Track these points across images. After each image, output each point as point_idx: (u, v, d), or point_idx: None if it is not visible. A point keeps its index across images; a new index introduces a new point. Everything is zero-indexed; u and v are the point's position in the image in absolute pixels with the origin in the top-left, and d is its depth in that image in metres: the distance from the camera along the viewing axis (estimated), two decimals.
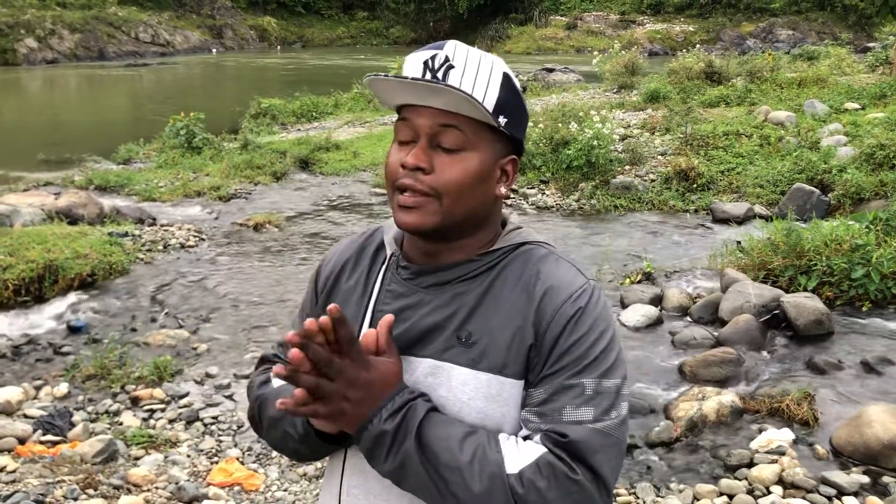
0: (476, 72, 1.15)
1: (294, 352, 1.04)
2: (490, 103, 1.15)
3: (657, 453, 4.12)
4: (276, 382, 1.28)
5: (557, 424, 1.11)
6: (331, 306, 1.07)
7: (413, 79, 1.12)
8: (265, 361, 1.40)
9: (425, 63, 1.15)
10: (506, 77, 1.18)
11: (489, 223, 1.24)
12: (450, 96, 1.12)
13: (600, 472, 1.09)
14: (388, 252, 1.29)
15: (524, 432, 1.13)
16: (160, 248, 7.52)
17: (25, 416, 4.36)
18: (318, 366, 1.06)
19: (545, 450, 1.09)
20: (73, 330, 5.73)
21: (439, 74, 1.13)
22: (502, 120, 1.17)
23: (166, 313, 6.06)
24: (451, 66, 1.14)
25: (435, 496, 1.10)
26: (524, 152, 1.27)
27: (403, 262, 1.26)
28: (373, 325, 1.22)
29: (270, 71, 31.12)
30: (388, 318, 1.16)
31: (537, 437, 1.11)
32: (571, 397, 1.12)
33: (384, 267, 1.28)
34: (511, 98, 1.18)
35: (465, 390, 1.15)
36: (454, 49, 1.16)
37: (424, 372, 1.17)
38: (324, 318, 1.06)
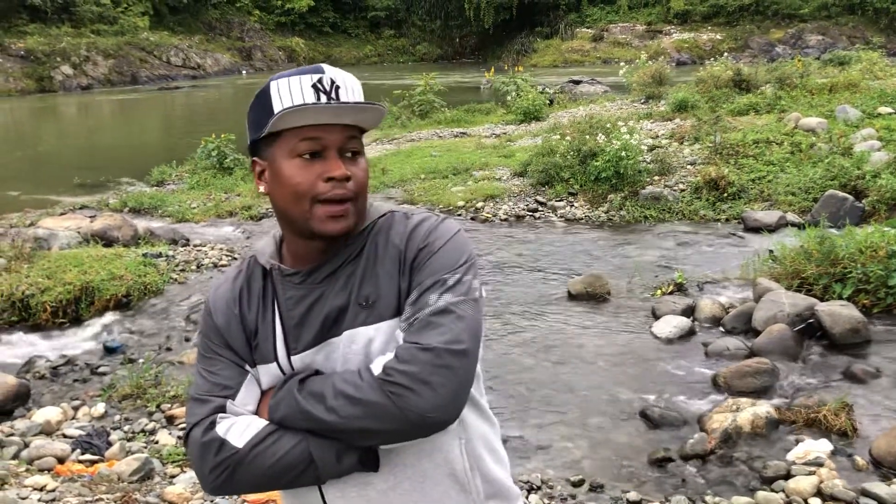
0: (354, 87, 1.34)
1: None
2: None
3: (692, 466, 4.08)
4: (242, 437, 1.29)
5: (422, 312, 1.27)
6: None
7: (356, 103, 1.30)
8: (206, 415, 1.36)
9: (314, 86, 1.30)
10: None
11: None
12: (377, 111, 1.32)
13: (458, 342, 1.24)
14: (268, 268, 1.41)
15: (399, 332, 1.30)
16: (193, 268, 7.62)
17: (64, 436, 4.44)
18: None
19: (399, 346, 1.26)
20: (109, 350, 5.82)
21: (334, 94, 1.30)
22: None
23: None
24: (338, 86, 1.32)
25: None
26: None
27: (289, 271, 1.38)
28: (286, 334, 1.36)
29: None
30: None
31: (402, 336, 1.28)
32: (434, 288, 1.29)
33: (271, 283, 1.41)
34: None
35: (382, 339, 1.31)
36: (334, 72, 1.33)
37: (346, 343, 1.32)
38: None
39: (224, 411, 1.34)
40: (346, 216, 1.32)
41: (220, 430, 1.31)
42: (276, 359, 1.36)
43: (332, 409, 1.23)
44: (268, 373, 1.37)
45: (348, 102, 1.30)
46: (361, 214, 1.36)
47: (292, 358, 1.35)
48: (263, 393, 1.37)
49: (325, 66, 1.34)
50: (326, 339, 1.33)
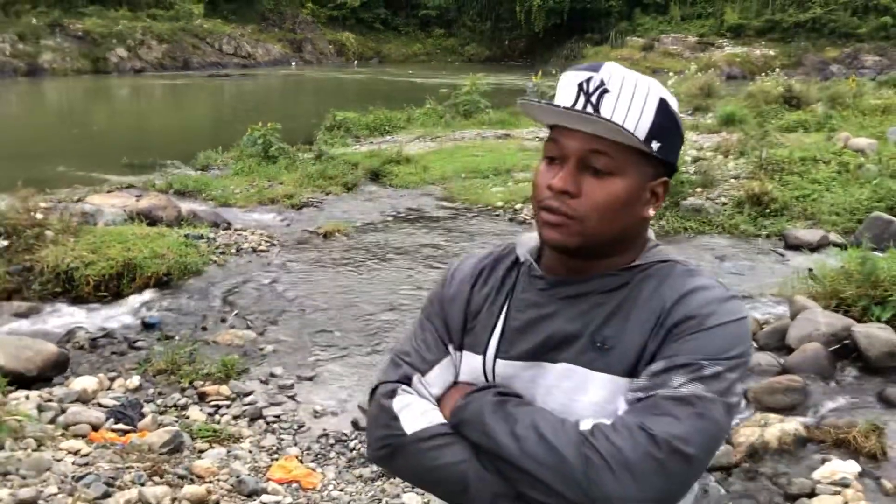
0: (631, 98, 1.16)
1: None
2: (643, 129, 1.17)
3: (715, 477, 4.06)
4: (413, 423, 1.24)
5: (661, 390, 1.11)
6: None
7: (564, 108, 1.16)
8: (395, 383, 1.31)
9: (580, 85, 1.17)
10: (662, 102, 1.19)
11: (636, 243, 1.26)
12: (601, 125, 1.15)
13: (686, 443, 1.08)
14: (521, 260, 1.31)
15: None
16: (233, 251, 7.75)
17: (99, 405, 4.56)
18: None
19: (627, 413, 1.12)
20: (147, 326, 5.96)
21: (593, 98, 1.15)
22: (655, 145, 1.18)
23: (236, 314, 6.25)
24: (606, 91, 1.15)
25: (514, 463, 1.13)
26: (676, 170, 1.30)
27: (538, 272, 1.27)
28: (504, 331, 1.26)
29: (346, 85, 31.73)
30: None
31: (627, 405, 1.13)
32: (685, 370, 1.12)
33: (518, 276, 1.30)
34: (666, 123, 1.19)
35: (599, 393, 1.17)
36: (610, 73, 1.17)
37: (558, 375, 1.20)
38: None
39: (409, 383, 1.28)
40: (561, 227, 1.18)
41: (397, 404, 1.25)
42: (484, 352, 1.27)
43: (517, 437, 1.12)
44: (469, 364, 1.28)
45: (573, 109, 1.16)
46: (597, 239, 1.19)
47: (498, 360, 1.25)
48: (455, 383, 1.28)
49: (606, 65, 1.19)
50: (540, 360, 1.22)
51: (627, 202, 1.19)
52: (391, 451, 1.23)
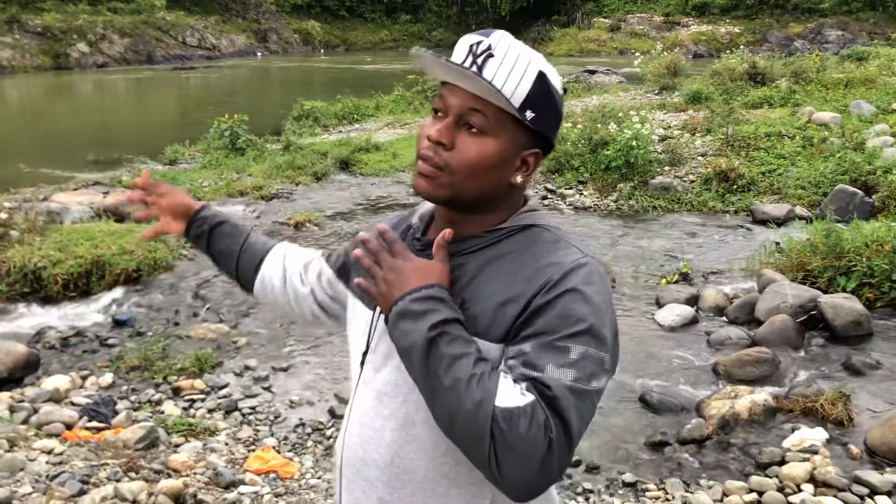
0: (512, 65, 1.21)
1: (356, 251, 1.27)
2: (519, 97, 1.22)
3: (688, 450, 4.13)
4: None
5: (542, 374, 1.14)
6: (382, 230, 1.27)
7: (447, 61, 1.23)
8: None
9: (470, 47, 1.23)
10: (541, 74, 1.23)
11: (504, 206, 1.31)
12: (479, 83, 1.20)
13: (571, 429, 1.13)
14: (412, 223, 1.43)
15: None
16: None
17: (72, 404, 4.53)
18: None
19: (534, 398, 1.12)
20: (119, 323, 5.91)
21: (479, 60, 1.21)
22: (529, 114, 1.23)
23: (208, 308, 6.22)
24: (491, 55, 1.21)
25: (426, 394, 1.18)
26: (552, 149, 1.33)
27: (418, 234, 1.38)
28: None
29: (314, 74, 31.49)
30: (447, 231, 1.26)
31: (524, 385, 1.14)
32: (556, 357, 1.15)
33: (405, 240, 1.40)
34: (542, 95, 1.24)
35: None
36: (499, 39, 1.23)
37: None
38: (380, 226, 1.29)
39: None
40: (430, 178, 1.25)
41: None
42: (373, 308, 1.36)
43: (458, 381, 1.13)
44: (356, 311, 1.45)
45: (456, 64, 1.22)
46: (463, 195, 1.26)
47: (382, 315, 1.30)
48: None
49: (497, 33, 1.24)
50: None
51: (496, 164, 1.25)
52: None
